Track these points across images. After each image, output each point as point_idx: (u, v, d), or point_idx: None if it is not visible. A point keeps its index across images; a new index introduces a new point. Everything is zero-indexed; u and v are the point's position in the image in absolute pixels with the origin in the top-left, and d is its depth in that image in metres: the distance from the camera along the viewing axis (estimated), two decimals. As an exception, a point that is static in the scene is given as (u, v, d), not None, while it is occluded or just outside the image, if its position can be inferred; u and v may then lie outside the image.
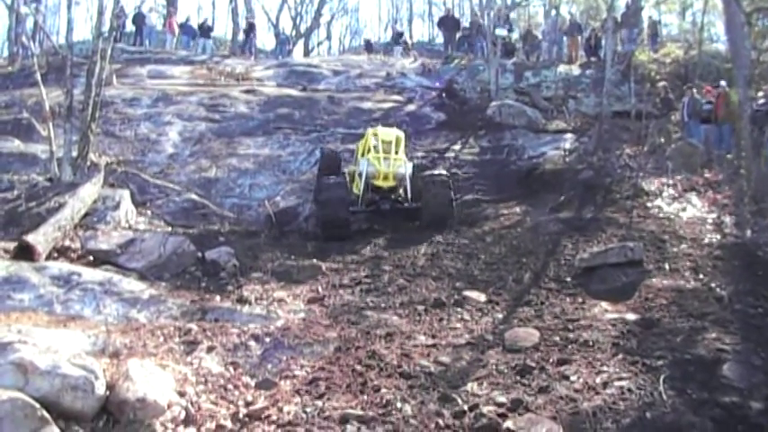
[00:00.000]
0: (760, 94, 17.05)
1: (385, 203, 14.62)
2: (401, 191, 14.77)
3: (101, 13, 16.66)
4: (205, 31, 34.16)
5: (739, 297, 9.40)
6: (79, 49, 20.99)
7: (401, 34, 37.11)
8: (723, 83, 17.75)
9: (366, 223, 15.02)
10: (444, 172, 15.26)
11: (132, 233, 12.92)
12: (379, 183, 14.45)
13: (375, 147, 14.69)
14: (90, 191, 13.81)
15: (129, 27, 32.29)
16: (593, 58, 26.44)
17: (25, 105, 18.71)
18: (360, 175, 14.58)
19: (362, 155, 15.07)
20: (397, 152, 14.72)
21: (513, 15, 33.34)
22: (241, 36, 35.01)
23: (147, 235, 12.84)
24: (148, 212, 14.56)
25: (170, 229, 13.88)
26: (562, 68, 25.68)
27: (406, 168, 14.64)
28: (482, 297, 10.14)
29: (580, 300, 9.83)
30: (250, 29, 34.11)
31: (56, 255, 11.45)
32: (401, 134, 15.45)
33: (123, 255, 11.79)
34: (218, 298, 10.21)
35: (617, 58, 22.21)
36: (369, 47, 39.03)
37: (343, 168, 16.42)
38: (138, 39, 31.40)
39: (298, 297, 10.35)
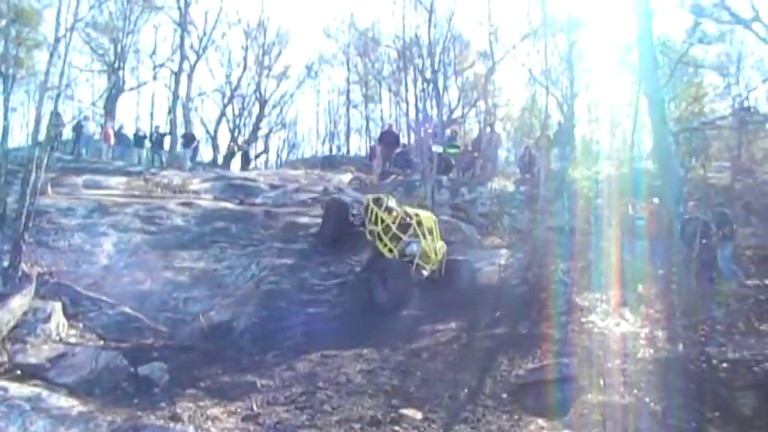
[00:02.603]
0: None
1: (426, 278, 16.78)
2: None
3: (38, 121, 16.64)
4: (139, 140, 34.26)
5: (673, 412, 9.53)
6: (14, 156, 20.78)
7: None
8: (656, 200, 18.23)
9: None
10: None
11: (63, 347, 12.65)
12: (429, 266, 16.59)
13: (423, 233, 16.56)
14: (20, 302, 13.52)
15: (67, 135, 32.30)
16: (527, 175, 26.97)
17: (-43, 213, 18.46)
18: (411, 254, 16.42)
19: (399, 229, 17.01)
20: (437, 237, 17.00)
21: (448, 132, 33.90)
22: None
23: (79, 349, 12.59)
24: (80, 325, 14.26)
25: (102, 342, 13.58)
26: (497, 184, 26.20)
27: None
28: (418, 415, 10.08)
29: (516, 417, 9.85)
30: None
31: (-18, 369, 11.20)
32: (435, 217, 17.60)
33: (53, 369, 11.52)
34: (150, 415, 10.02)
35: (550, 175, 22.66)
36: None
37: (353, 218, 19.28)
38: (75, 147, 31.37)
39: (232, 414, 10.20)
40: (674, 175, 14.98)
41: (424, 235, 16.46)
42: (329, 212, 19.98)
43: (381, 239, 17.26)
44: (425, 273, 16.55)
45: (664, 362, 11.66)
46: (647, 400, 10.04)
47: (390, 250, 16.86)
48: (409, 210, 17.52)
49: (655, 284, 15.59)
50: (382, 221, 17.47)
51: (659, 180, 17.43)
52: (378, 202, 18.20)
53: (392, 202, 18.30)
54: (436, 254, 16.50)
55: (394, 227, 17.01)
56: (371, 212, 17.98)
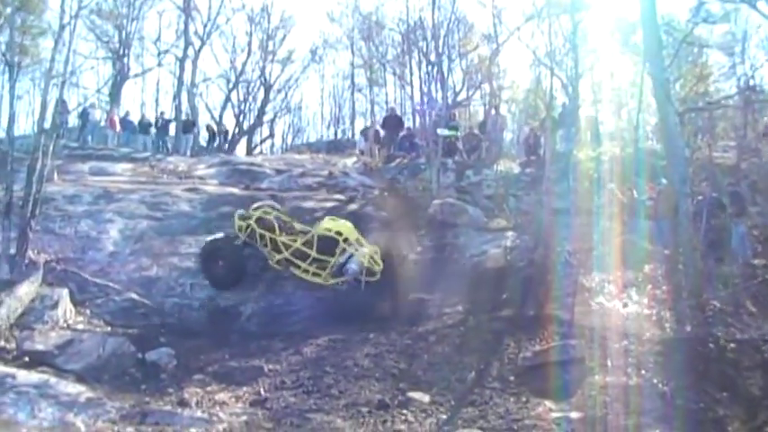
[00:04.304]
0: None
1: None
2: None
3: (43, 108, 16.59)
4: (144, 127, 34.23)
5: (681, 392, 9.55)
6: (20, 143, 20.66)
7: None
8: (664, 180, 18.14)
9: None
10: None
11: (71, 333, 12.70)
12: (373, 278, 15.33)
13: (354, 247, 15.45)
14: (27, 289, 13.55)
15: (72, 122, 32.31)
16: (532, 157, 26.88)
17: (-37, 201, 18.46)
18: (353, 274, 15.11)
19: (321, 250, 15.51)
20: (364, 243, 15.82)
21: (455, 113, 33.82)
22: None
23: (86, 335, 12.64)
24: (88, 312, 14.25)
25: (109, 329, 13.59)
26: (503, 167, 26.10)
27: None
28: (426, 398, 10.12)
29: (524, 399, 9.86)
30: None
31: (-10, 356, 11.22)
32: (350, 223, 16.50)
33: (61, 356, 11.59)
34: (158, 401, 10.05)
35: (555, 157, 22.53)
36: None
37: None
38: (81, 134, 31.38)
39: (240, 399, 10.24)
40: (679, 156, 14.83)
41: (355, 248, 15.46)
42: (212, 257, 16.45)
43: (298, 266, 15.75)
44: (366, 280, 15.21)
45: (671, 342, 11.67)
46: (654, 380, 10.06)
47: (316, 274, 15.57)
48: (324, 226, 16.06)
49: (661, 265, 15.56)
50: (286, 246, 15.83)
51: (664, 160, 17.30)
52: (263, 223, 16.27)
53: (280, 216, 16.85)
54: (377, 262, 15.45)
55: (313, 251, 15.49)
56: (264, 238, 16.07)
